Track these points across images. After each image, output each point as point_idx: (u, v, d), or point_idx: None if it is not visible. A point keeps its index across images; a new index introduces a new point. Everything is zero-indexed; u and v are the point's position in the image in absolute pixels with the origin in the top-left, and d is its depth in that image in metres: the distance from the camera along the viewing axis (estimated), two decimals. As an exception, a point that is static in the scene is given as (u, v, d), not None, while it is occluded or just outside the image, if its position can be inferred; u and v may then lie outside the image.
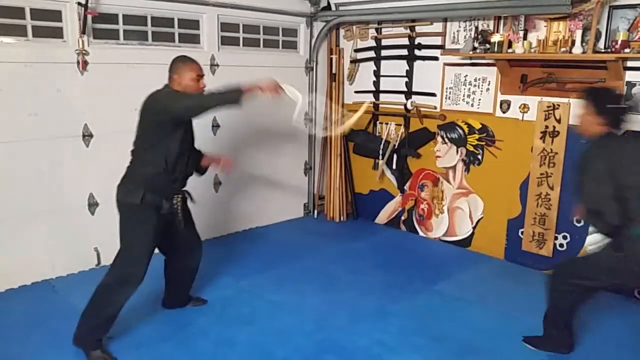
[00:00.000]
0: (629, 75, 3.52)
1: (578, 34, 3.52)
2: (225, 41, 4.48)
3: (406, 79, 4.83)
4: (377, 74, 5.07)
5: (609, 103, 2.62)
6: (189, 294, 3.37)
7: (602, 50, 3.51)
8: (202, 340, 3.00)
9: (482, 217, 4.45)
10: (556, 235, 4.00)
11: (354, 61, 5.22)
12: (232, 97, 2.63)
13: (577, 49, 3.52)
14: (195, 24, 4.26)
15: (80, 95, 3.66)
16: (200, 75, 2.83)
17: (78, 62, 3.60)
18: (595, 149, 2.62)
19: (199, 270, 3.30)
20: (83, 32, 3.56)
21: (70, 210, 3.77)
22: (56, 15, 3.51)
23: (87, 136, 3.75)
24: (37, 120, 3.49)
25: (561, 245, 3.99)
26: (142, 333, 3.05)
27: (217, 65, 4.36)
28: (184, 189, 2.97)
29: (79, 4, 3.49)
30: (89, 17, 3.57)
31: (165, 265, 3.21)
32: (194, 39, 4.28)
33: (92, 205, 3.86)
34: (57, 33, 3.53)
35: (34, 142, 3.51)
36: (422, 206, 4.88)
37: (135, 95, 3.83)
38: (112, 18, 3.79)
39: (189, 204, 3.06)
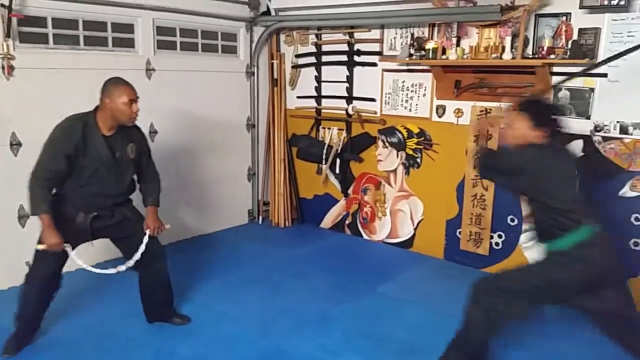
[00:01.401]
0: (555, 80, 3.69)
1: (508, 41, 3.67)
2: (161, 45, 4.37)
3: (347, 85, 4.89)
4: (318, 79, 5.10)
5: (548, 116, 2.46)
6: (170, 308, 3.28)
7: (530, 56, 3.68)
8: (141, 353, 2.91)
9: (422, 219, 4.56)
10: (492, 234, 4.15)
11: (295, 66, 5.23)
12: (34, 208, 2.68)
13: (507, 55, 3.67)
14: (129, 27, 4.14)
15: (7, 102, 3.48)
16: (133, 100, 2.76)
17: (3, 67, 3.42)
18: (544, 151, 2.43)
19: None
20: (7, 35, 3.38)
21: (-2, 223, 3.58)
22: (-24, 17, 3.33)
23: (15, 145, 3.57)
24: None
25: (497, 244, 4.14)
26: (76, 345, 2.96)
27: (153, 69, 4.25)
28: (117, 205, 2.95)
29: (2, 5, 3.32)
30: (14, 19, 3.39)
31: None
32: (129, 43, 4.16)
33: (23, 217, 3.67)
34: (-22, 36, 3.35)
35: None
36: (365, 209, 4.94)
37: (68, 102, 3.69)
38: (40, 21, 3.63)
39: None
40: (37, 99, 3.61)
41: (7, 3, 3.31)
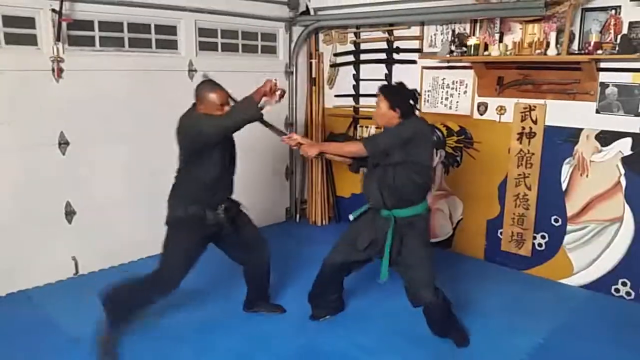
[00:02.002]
0: (603, 76, 3.57)
1: (552, 36, 3.57)
2: (203, 46, 4.46)
3: (385, 83, 4.84)
4: (356, 77, 5.09)
5: (402, 98, 2.87)
6: (266, 295, 3.45)
7: (576, 52, 3.56)
8: (182, 348, 2.98)
9: (461, 218, 4.49)
10: (535, 235, 4.04)
11: (334, 65, 5.23)
12: (250, 109, 2.82)
13: (552, 51, 3.57)
14: (172, 29, 4.24)
15: (56, 103, 3.62)
16: (223, 103, 2.88)
17: (53, 70, 3.56)
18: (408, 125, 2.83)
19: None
20: (58, 39, 3.52)
21: (46, 219, 3.72)
22: (30, 22, 3.46)
23: (63, 144, 3.71)
24: (10, 128, 3.44)
25: (540, 245, 4.03)
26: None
27: (196, 70, 4.32)
28: (230, 197, 3.11)
29: (53, 10, 3.46)
30: (64, 23, 3.53)
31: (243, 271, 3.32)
32: (172, 45, 4.26)
33: (69, 213, 3.82)
34: (31, 40, 3.49)
35: (8, 150, 3.46)
36: (403, 208, 4.89)
37: (113, 103, 3.85)
38: (87, 25, 3.75)
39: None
40: (84, 100, 3.75)
41: (57, 8, 3.44)
